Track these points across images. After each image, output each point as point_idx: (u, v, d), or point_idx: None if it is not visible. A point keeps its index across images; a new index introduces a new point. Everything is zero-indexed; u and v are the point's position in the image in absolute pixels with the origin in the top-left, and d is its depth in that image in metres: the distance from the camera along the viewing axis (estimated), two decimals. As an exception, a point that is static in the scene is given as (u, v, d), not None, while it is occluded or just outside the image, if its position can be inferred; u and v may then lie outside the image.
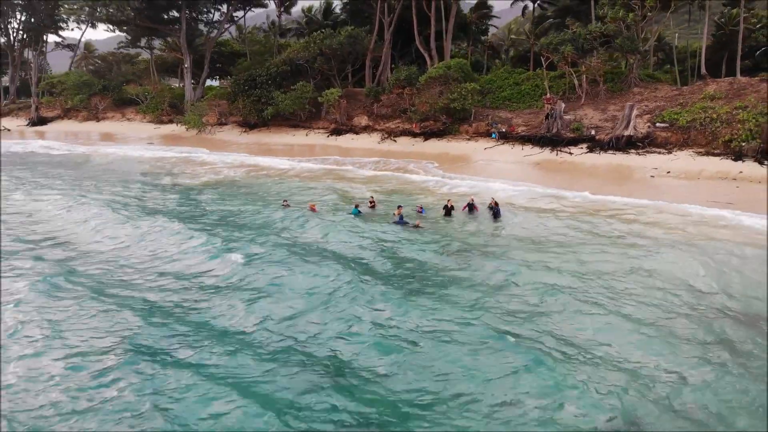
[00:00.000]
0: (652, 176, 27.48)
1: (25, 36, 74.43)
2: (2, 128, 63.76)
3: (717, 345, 10.39)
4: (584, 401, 8.47)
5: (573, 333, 10.81)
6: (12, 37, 75.36)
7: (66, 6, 60.75)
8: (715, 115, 31.86)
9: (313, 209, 21.00)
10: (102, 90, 60.97)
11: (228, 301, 12.46)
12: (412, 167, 32.25)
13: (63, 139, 52.73)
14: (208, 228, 18.66)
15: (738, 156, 29.06)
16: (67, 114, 64.75)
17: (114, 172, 33.11)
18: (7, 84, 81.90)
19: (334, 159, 36.39)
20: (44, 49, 78.06)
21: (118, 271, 14.64)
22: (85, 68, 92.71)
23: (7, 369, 9.51)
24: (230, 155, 38.56)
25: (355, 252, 16.01)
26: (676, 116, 33.09)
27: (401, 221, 19.03)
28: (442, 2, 46.64)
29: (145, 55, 77.97)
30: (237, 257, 15.06)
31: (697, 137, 31.45)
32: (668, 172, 27.89)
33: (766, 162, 28.02)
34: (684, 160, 29.79)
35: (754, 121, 30.28)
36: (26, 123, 65.55)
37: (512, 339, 10.43)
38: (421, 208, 20.77)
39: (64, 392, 8.88)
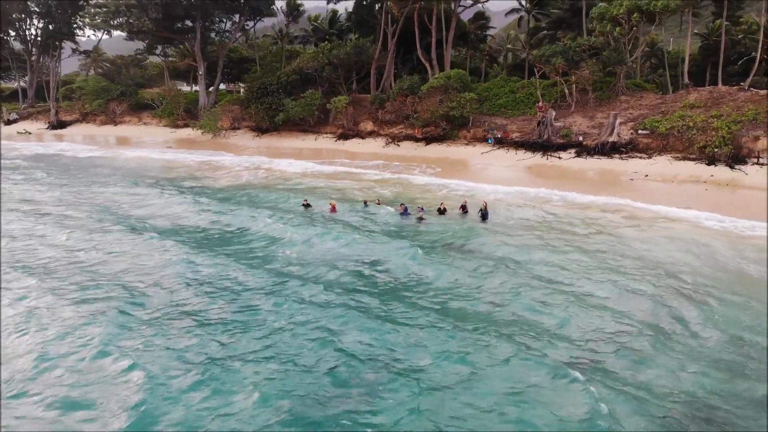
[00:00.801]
0: (631, 179, 30.17)
1: (41, 42, 77.09)
2: (24, 131, 66.70)
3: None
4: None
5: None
6: (30, 44, 78.08)
7: (88, 19, 63.19)
8: (692, 123, 34.54)
9: (333, 209, 23.65)
10: (119, 95, 63.72)
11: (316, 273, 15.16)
12: (417, 172, 34.89)
13: (86, 142, 55.51)
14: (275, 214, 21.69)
15: (711, 161, 31.78)
16: (85, 118, 67.49)
17: (160, 169, 36.10)
18: (25, 88, 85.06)
19: (341, 162, 39.09)
20: (60, 54, 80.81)
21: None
22: (93, 71, 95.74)
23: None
24: (252, 158, 41.38)
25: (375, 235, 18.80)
26: (656, 124, 35.78)
27: (405, 213, 22.61)
28: (442, 14, 49.37)
29: (153, 58, 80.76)
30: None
31: (675, 143, 34.16)
32: (646, 176, 30.60)
33: (735, 166, 30.78)
34: (662, 164, 32.49)
35: (726, 128, 32.98)
36: (46, 126, 68.31)
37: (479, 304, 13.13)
38: (422, 208, 23.54)
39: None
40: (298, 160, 40.02)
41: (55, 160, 42.67)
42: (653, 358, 11.05)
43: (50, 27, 73.61)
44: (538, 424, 8.90)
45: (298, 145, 48.07)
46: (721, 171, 30.30)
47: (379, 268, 16.26)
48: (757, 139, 32.32)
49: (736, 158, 31.35)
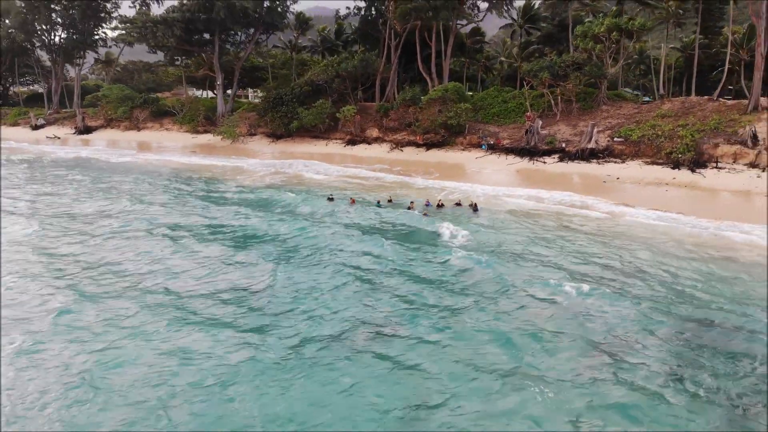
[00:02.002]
0: (604, 182, 34.30)
1: (65, 52, 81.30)
2: (53, 136, 70.94)
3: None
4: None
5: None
6: (54, 53, 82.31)
7: (117, 33, 67.45)
8: (660, 132, 38.71)
9: (352, 202, 28.27)
10: (143, 103, 67.95)
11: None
12: (419, 178, 38.99)
13: (115, 147, 59.77)
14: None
15: (675, 165, 35.90)
16: (109, 123, 71.68)
17: (198, 171, 40.37)
18: (41, 92, 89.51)
19: (353, 165, 43.23)
20: (83, 63, 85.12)
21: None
22: (106, 75, 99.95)
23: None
24: (275, 161, 45.56)
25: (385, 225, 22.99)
26: (630, 132, 39.95)
27: (428, 205, 27.45)
28: (441, 29, 53.53)
29: (162, 62, 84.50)
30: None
31: (646, 150, 38.32)
32: (617, 178, 34.74)
33: (696, 170, 34.94)
34: (633, 168, 36.63)
35: (690, 137, 37.16)
36: (73, 131, 72.50)
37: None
38: (428, 202, 27.96)
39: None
40: (325, 164, 43.82)
41: (94, 164, 46.85)
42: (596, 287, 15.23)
43: (74, 37, 77.79)
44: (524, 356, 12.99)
45: (310, 150, 52.20)
46: (683, 174, 34.47)
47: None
48: (716, 146, 36.53)
49: (697, 163, 35.50)
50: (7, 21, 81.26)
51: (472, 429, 9.67)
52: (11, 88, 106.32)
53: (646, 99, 53.56)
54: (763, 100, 41.36)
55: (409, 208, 26.82)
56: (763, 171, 33.47)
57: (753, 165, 34.40)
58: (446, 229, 22.59)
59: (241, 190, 33.36)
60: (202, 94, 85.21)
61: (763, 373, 11.38)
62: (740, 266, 18.49)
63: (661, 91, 49.17)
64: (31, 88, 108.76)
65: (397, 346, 12.65)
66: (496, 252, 19.93)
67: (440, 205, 27.72)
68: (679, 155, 36.23)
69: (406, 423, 9.80)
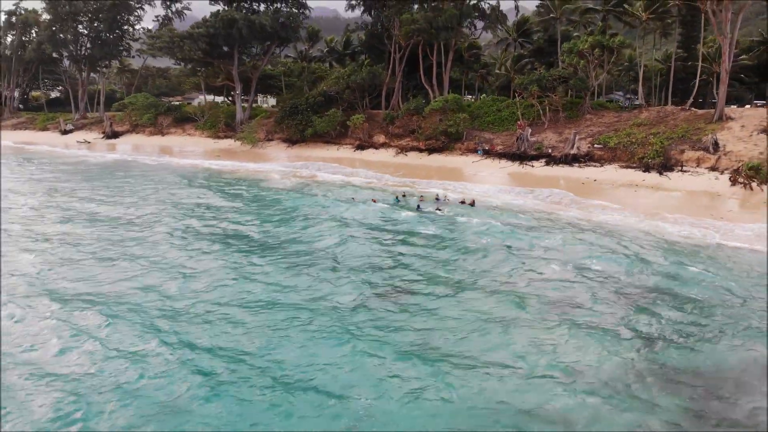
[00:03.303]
0: (582, 183, 38.94)
1: (91, 62, 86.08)
2: (83, 140, 75.69)
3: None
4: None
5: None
6: (81, 62, 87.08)
7: (145, 47, 72.11)
8: (634, 139, 43.32)
9: (374, 201, 32.86)
10: (167, 110, 72.69)
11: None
12: (425, 179, 43.70)
13: (141, 151, 64.54)
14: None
15: (646, 168, 40.51)
16: (135, 129, 76.41)
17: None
18: (60, 98, 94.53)
19: (364, 169, 47.89)
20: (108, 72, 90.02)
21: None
22: (121, 80, 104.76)
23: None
24: (293, 163, 50.25)
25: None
26: (608, 139, 44.54)
27: (441, 201, 32.31)
28: (442, 45, 58.12)
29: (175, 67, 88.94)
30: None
31: (621, 155, 42.90)
32: (594, 180, 39.36)
33: (663, 173, 39.53)
34: (609, 171, 41.23)
35: (660, 143, 41.76)
36: (101, 136, 77.23)
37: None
38: (438, 197, 32.85)
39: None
40: (342, 166, 48.58)
41: (134, 166, 51.57)
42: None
43: (100, 48, 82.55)
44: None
45: (322, 154, 56.80)
46: (652, 177, 39.08)
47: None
48: (682, 152, 41.14)
49: (665, 167, 40.11)
50: (34, 32, 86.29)
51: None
52: (30, 92, 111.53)
53: (624, 106, 57.97)
54: (728, 110, 46.12)
55: (419, 205, 31.43)
56: (722, 174, 38.12)
57: (713, 168, 38.99)
58: (463, 218, 27.66)
59: (276, 189, 38.09)
60: (214, 100, 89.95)
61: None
62: (686, 250, 23.12)
63: (640, 100, 53.69)
64: (49, 92, 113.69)
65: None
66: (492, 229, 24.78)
67: (438, 200, 32.45)
68: (650, 160, 40.84)
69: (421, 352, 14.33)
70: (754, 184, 34.66)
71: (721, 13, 43.30)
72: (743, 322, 15.54)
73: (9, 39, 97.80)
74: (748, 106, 57.77)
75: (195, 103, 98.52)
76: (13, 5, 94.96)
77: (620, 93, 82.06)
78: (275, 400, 11.59)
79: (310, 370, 12.72)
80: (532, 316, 15.84)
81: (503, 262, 20.82)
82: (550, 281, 18.71)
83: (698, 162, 39.96)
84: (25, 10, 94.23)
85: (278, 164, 51.02)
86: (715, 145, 40.12)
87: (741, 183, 35.17)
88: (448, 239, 24.07)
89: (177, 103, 76.82)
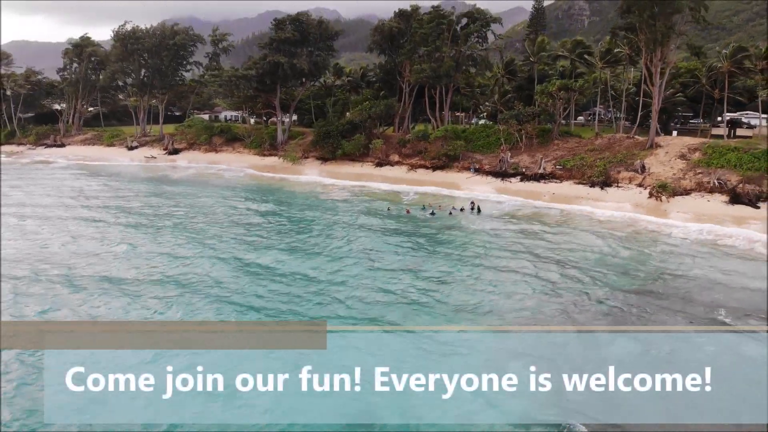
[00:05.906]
0: (545, 196, 52.18)
1: (150, 89, 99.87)
2: (150, 156, 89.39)
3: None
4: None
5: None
6: (143, 90, 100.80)
7: (209, 86, 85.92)
8: (586, 162, 56.48)
9: (408, 212, 45.96)
10: (220, 132, 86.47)
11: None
12: (432, 188, 57.05)
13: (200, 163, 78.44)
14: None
15: (592, 184, 53.63)
16: (191, 146, 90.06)
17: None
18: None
19: (383, 183, 61.22)
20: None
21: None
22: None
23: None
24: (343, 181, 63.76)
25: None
26: (567, 162, 57.74)
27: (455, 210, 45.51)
28: (443, 86, 71.53)
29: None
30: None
31: (575, 174, 55.98)
32: (553, 194, 52.56)
33: (604, 188, 52.67)
34: (566, 187, 54.31)
35: (603, 166, 54.92)
36: (163, 152, 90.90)
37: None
38: (454, 207, 46.31)
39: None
40: (377, 183, 62.19)
41: (215, 180, 65.15)
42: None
43: (162, 80, 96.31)
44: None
45: (349, 170, 70.10)
46: (595, 191, 52.29)
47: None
48: (619, 172, 54.26)
49: (606, 183, 53.23)
50: (106, 66, 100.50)
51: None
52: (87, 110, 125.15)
53: (606, 118, 71.09)
54: (659, 139, 59.23)
55: (433, 212, 44.55)
56: (645, 189, 51.29)
57: (640, 185, 52.15)
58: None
59: (326, 198, 51.76)
60: (251, 121, 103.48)
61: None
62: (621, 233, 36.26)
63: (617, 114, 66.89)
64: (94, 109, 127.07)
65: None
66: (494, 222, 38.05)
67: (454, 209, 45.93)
68: (595, 178, 54.06)
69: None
70: (663, 197, 47.97)
71: (653, 67, 56.50)
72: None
73: (74, 66, 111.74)
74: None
75: (221, 117, 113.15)
76: (79, 38, 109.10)
77: (601, 107, 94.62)
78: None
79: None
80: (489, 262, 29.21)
81: (479, 238, 34.15)
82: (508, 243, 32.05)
83: (630, 180, 53.12)
84: (90, 42, 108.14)
85: (342, 180, 63.86)
86: (642, 167, 53.28)
87: (654, 196, 48.49)
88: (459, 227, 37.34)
89: (223, 121, 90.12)
